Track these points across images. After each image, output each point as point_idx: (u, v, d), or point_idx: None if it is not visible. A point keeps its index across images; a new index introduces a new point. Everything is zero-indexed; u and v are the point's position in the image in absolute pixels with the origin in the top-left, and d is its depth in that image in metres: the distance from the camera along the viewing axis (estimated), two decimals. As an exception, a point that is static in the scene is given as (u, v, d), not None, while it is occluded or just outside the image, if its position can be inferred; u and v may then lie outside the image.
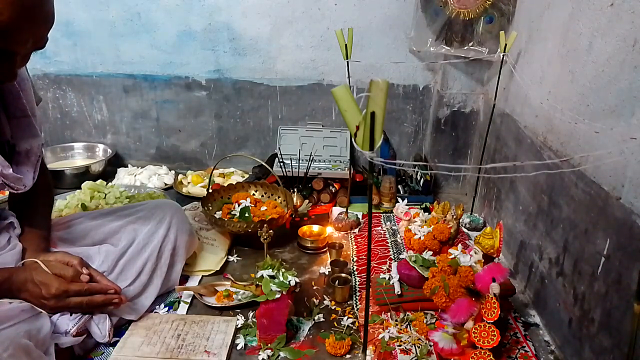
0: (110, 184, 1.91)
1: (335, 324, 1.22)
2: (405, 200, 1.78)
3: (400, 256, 1.52)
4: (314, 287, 1.39)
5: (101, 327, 1.10)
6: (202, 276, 1.41)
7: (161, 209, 1.30)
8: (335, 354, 1.11)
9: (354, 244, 1.63)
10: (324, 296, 1.34)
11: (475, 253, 1.26)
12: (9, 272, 1.00)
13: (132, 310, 1.18)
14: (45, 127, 2.23)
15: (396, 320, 1.23)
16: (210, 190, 1.69)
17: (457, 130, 1.97)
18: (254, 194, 1.74)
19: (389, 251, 1.58)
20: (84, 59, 2.10)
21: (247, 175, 2.07)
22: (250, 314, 1.25)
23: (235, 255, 1.53)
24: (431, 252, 1.35)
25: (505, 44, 1.50)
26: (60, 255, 1.08)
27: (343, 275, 1.34)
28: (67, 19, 2.02)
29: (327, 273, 1.44)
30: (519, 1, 1.62)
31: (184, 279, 1.39)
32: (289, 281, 1.13)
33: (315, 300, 1.32)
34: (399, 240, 1.65)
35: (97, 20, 2.02)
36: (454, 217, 1.45)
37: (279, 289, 1.10)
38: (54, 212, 1.59)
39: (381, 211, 1.87)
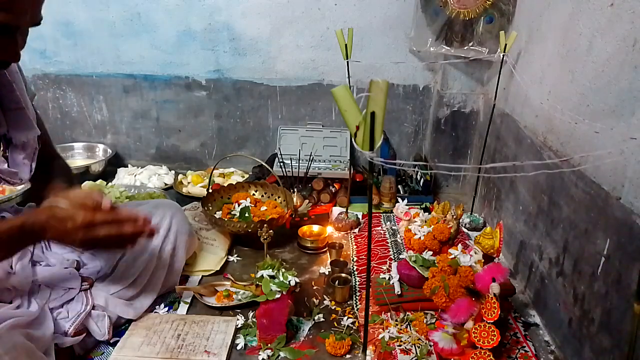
0: (110, 184, 1.91)
1: (335, 324, 1.22)
2: (405, 200, 1.78)
3: (400, 256, 1.52)
4: (314, 287, 1.39)
5: (100, 325, 1.10)
6: (202, 276, 1.41)
7: (161, 209, 1.30)
8: (335, 354, 1.12)
9: (354, 244, 1.63)
10: (324, 296, 1.34)
11: (475, 253, 1.26)
12: (27, 216, 0.93)
13: (131, 309, 1.18)
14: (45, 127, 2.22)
15: (396, 320, 1.23)
16: (210, 190, 1.69)
17: (457, 130, 1.97)
18: (254, 194, 1.74)
19: (389, 251, 1.58)
20: (84, 59, 2.10)
21: (247, 175, 2.07)
22: (250, 314, 1.25)
23: (235, 255, 1.53)
24: (431, 252, 1.35)
25: (505, 44, 1.50)
26: (77, 191, 1.00)
27: (343, 275, 1.34)
28: (67, 19, 2.02)
29: (327, 273, 1.44)
30: (519, 1, 1.62)
31: (184, 279, 1.39)
32: (289, 281, 1.13)
33: (315, 300, 1.32)
34: (399, 240, 1.65)
35: (97, 20, 2.02)
36: (454, 217, 1.45)
37: (279, 289, 1.10)
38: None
39: (381, 211, 1.87)
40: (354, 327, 1.21)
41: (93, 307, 1.11)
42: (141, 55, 2.07)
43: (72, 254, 1.18)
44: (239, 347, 1.14)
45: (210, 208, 1.66)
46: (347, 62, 1.58)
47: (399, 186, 1.97)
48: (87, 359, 1.09)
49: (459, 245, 1.32)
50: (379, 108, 0.62)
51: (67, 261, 1.15)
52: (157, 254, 1.23)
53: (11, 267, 1.06)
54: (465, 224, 1.74)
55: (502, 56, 1.54)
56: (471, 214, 1.78)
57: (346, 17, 1.93)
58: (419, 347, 1.14)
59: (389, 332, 1.18)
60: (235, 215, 1.59)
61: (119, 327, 1.18)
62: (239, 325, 1.20)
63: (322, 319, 1.24)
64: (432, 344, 1.08)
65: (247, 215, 1.57)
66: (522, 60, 1.52)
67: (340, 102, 0.64)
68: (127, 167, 2.18)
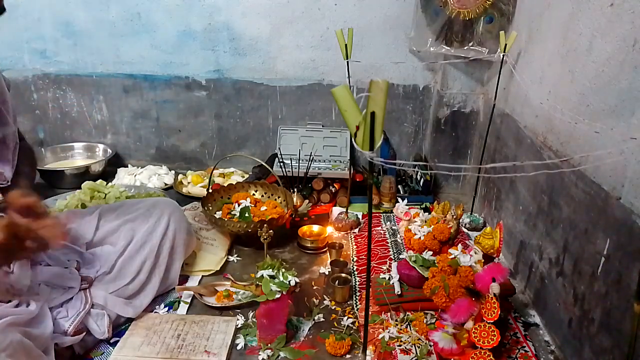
0: (110, 184, 1.91)
1: (335, 324, 1.22)
2: (405, 200, 1.78)
3: (400, 256, 1.52)
4: (314, 287, 1.39)
5: (99, 323, 1.10)
6: (202, 276, 1.41)
7: (159, 208, 1.30)
8: (335, 354, 1.11)
9: (354, 244, 1.63)
10: (324, 296, 1.34)
11: (475, 253, 1.26)
12: None
13: (130, 308, 1.18)
14: (45, 127, 2.23)
15: (396, 320, 1.23)
16: (210, 190, 1.69)
17: (457, 130, 1.97)
18: (254, 194, 1.74)
19: (389, 251, 1.58)
20: (84, 59, 2.10)
21: (247, 175, 2.07)
22: (250, 314, 1.25)
23: (235, 255, 1.53)
24: (431, 252, 1.35)
25: (505, 44, 1.50)
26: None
27: (343, 275, 1.34)
28: (67, 19, 2.02)
29: (327, 273, 1.44)
30: (519, 1, 1.62)
31: (184, 279, 1.39)
32: (289, 281, 1.13)
33: (315, 300, 1.32)
34: (399, 240, 1.65)
35: (97, 20, 2.02)
36: (454, 217, 1.45)
37: (279, 289, 1.10)
38: (55, 211, 1.60)
39: (381, 211, 1.87)
40: (354, 327, 1.21)
41: (92, 306, 1.11)
42: (141, 55, 2.07)
43: (72, 254, 1.18)
44: (239, 347, 1.14)
45: (210, 208, 1.66)
46: (347, 62, 1.58)
47: (399, 186, 1.97)
48: (87, 358, 1.09)
49: (459, 245, 1.32)
50: (379, 108, 0.62)
51: (68, 261, 1.15)
52: (155, 252, 1.23)
53: (9, 267, 1.06)
54: (465, 224, 1.74)
55: (502, 56, 1.54)
56: (471, 214, 1.78)
57: (346, 17, 1.93)
58: (419, 347, 1.14)
59: (389, 332, 1.18)
60: (235, 215, 1.59)
61: (119, 327, 1.18)
62: (239, 325, 1.20)
63: (322, 319, 1.24)
64: (432, 344, 1.08)
65: (247, 215, 1.57)
66: (522, 60, 1.52)
67: (340, 102, 0.64)
68: (127, 167, 2.18)
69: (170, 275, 1.30)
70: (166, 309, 1.27)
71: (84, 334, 1.08)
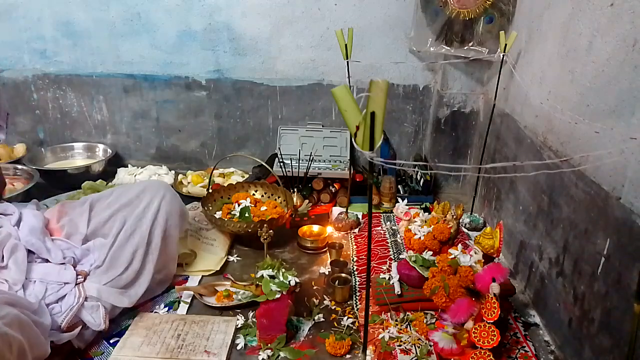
0: (110, 184, 1.91)
1: (335, 324, 1.22)
2: (405, 200, 1.78)
3: (400, 256, 1.52)
4: (314, 287, 1.39)
5: (94, 315, 1.10)
6: (202, 276, 1.41)
7: (148, 193, 1.27)
8: (335, 354, 1.11)
9: (354, 244, 1.63)
10: (324, 296, 1.34)
11: (475, 253, 1.26)
12: None
13: (125, 297, 1.17)
14: (45, 127, 2.23)
15: (396, 320, 1.23)
16: (210, 190, 1.69)
17: (457, 130, 1.97)
18: (254, 194, 1.74)
19: (389, 251, 1.58)
20: (84, 59, 2.10)
21: (247, 175, 2.07)
22: (250, 314, 1.25)
23: (235, 255, 1.53)
24: (431, 252, 1.35)
25: (505, 44, 1.50)
26: None
27: (343, 275, 1.34)
28: (67, 19, 2.02)
29: (327, 273, 1.44)
30: (519, 1, 1.62)
31: (184, 279, 1.39)
32: (289, 281, 1.13)
33: (315, 300, 1.32)
34: (399, 240, 1.65)
35: (97, 20, 2.02)
36: (454, 217, 1.45)
37: (279, 289, 1.10)
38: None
39: (381, 211, 1.87)
40: (354, 327, 1.21)
41: (86, 299, 1.11)
42: (141, 55, 2.07)
43: (68, 251, 1.18)
44: (239, 347, 1.14)
45: (210, 208, 1.66)
46: (347, 62, 1.58)
47: (399, 186, 1.97)
48: (87, 358, 1.10)
49: (459, 245, 1.32)
50: (379, 108, 0.62)
51: (64, 258, 1.16)
52: (146, 239, 1.21)
53: (2, 260, 1.07)
54: (465, 224, 1.74)
55: (502, 56, 1.54)
56: (471, 214, 1.78)
57: (346, 17, 1.93)
58: (419, 347, 1.14)
59: (389, 332, 1.18)
60: (235, 215, 1.59)
61: (119, 325, 1.18)
62: (239, 325, 1.20)
63: (322, 319, 1.24)
64: (432, 344, 1.08)
65: (247, 215, 1.57)
66: (522, 60, 1.52)
67: (340, 102, 0.64)
68: (127, 167, 2.18)
69: (166, 259, 1.27)
70: (166, 309, 1.27)
71: (80, 328, 1.08)
